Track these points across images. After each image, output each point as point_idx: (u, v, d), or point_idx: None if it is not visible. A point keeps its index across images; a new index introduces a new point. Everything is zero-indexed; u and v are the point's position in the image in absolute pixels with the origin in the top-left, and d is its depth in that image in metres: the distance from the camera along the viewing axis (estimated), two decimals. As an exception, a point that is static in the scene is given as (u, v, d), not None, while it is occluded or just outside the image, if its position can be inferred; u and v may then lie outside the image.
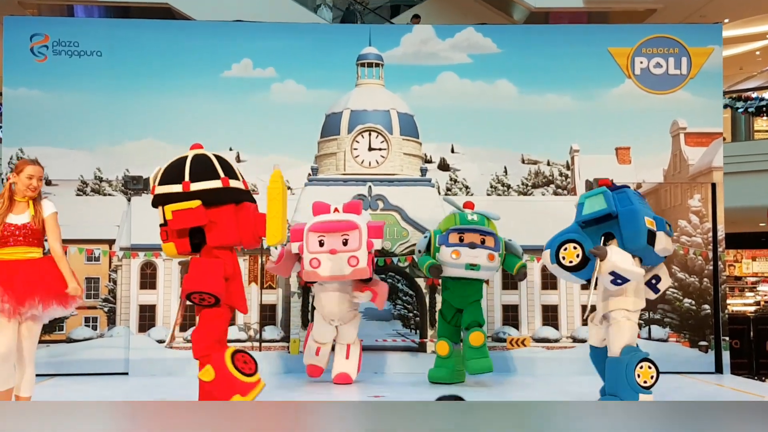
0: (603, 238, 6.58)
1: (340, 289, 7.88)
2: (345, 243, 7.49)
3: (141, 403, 4.95)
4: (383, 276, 9.32)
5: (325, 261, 7.51)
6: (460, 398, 3.39)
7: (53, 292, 5.73)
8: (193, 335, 6.33)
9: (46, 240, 5.92)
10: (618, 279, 6.39)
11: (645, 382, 6.43)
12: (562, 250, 6.53)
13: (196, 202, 6.08)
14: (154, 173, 6.37)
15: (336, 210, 7.76)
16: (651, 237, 6.46)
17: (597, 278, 6.41)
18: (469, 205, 8.25)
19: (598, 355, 6.90)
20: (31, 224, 5.75)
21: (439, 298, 9.21)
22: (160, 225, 6.28)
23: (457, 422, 2.35)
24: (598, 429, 2.37)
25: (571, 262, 6.50)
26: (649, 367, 6.48)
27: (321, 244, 7.53)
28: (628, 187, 6.90)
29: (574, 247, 6.49)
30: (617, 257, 6.33)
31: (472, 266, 7.89)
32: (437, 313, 8.55)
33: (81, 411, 2.68)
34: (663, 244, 6.58)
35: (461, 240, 7.92)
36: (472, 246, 7.88)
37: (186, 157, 6.31)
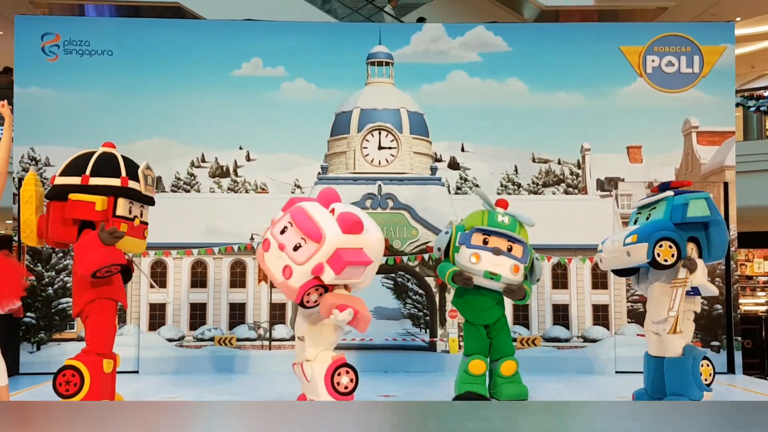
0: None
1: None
2: (296, 248, 5.90)
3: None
4: (393, 275, 9.32)
5: (272, 250, 6.05)
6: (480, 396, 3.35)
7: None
8: (102, 334, 6.23)
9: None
10: (692, 292, 6.49)
11: (706, 380, 6.50)
12: (658, 246, 6.36)
13: None
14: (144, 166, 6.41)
15: (332, 211, 6.09)
16: None
17: (679, 290, 6.39)
18: (501, 203, 7.09)
19: (652, 362, 6.92)
20: None
21: (449, 297, 9.19)
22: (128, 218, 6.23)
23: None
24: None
25: (666, 260, 6.37)
26: (708, 365, 6.56)
27: (283, 231, 6.04)
28: (709, 193, 6.92)
29: (670, 246, 6.35)
30: (703, 273, 6.43)
31: (492, 275, 6.76)
32: (463, 326, 7.33)
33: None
34: None
35: (485, 243, 6.83)
36: (497, 252, 6.77)
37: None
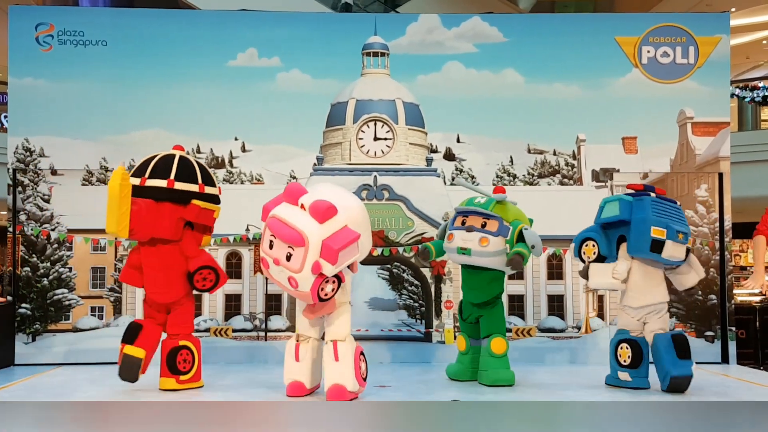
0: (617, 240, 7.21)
1: None
2: (288, 258, 6.11)
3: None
4: (389, 266, 9.34)
5: (272, 266, 6.30)
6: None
7: None
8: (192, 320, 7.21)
9: None
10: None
11: (624, 361, 7.16)
12: (584, 246, 7.30)
13: None
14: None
15: (302, 207, 6.20)
16: (658, 246, 6.91)
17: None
18: (500, 189, 7.41)
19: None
20: None
21: (444, 288, 9.23)
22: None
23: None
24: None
25: (589, 258, 7.27)
26: (626, 348, 7.17)
27: (271, 246, 6.24)
28: (650, 193, 7.14)
29: (593, 245, 7.24)
30: (594, 278, 7.24)
31: (463, 250, 7.16)
32: (457, 307, 7.78)
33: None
34: (670, 251, 6.95)
35: (463, 223, 7.27)
36: (469, 230, 7.17)
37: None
